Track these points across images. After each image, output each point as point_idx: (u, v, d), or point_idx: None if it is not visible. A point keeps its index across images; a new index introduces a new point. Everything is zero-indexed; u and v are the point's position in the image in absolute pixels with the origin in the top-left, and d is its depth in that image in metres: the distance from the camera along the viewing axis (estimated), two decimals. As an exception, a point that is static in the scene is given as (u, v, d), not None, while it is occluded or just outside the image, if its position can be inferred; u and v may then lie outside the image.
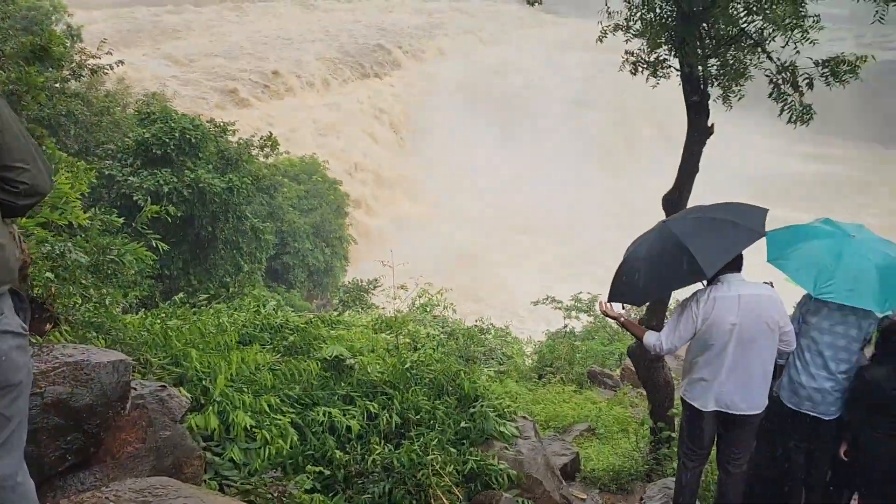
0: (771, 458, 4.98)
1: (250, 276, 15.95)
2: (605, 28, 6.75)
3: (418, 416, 5.17)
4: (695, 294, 4.44)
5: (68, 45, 15.88)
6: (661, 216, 6.48)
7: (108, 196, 13.22)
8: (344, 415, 5.03)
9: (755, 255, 4.62)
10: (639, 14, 6.42)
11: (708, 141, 6.88)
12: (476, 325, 12.76)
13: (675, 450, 5.93)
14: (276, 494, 4.01)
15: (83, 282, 5.37)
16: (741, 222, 4.39)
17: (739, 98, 6.65)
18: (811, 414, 4.69)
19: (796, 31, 5.86)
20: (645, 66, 6.91)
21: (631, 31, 6.58)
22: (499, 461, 5.03)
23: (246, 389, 4.88)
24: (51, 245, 4.96)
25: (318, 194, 27.57)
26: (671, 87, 7.21)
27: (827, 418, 4.67)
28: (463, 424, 5.20)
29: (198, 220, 13.77)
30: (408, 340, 7.54)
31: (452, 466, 4.80)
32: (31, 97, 10.11)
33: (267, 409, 4.75)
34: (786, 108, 6.35)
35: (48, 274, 4.80)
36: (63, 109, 14.24)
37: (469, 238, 38.04)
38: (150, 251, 5.99)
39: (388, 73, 52.12)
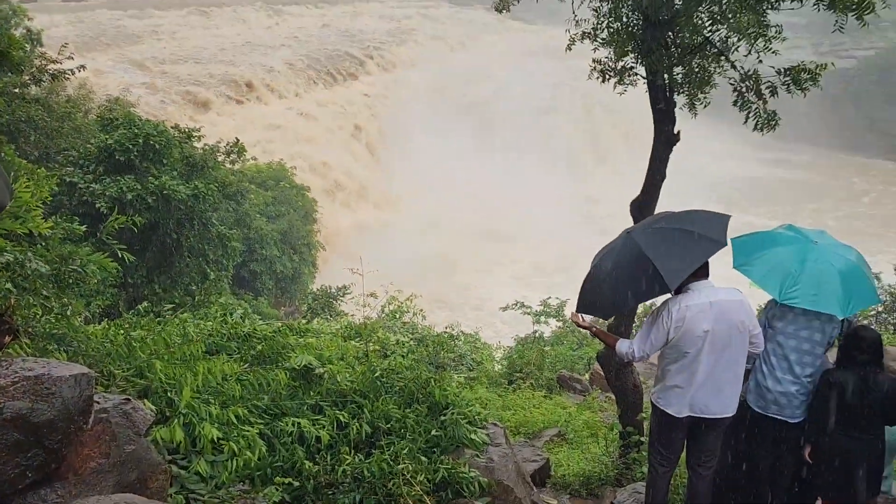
0: (738, 461, 5.05)
1: (217, 283, 15.72)
2: (573, 37, 6.81)
3: (389, 425, 5.13)
4: (666, 302, 4.49)
5: (28, 49, 15.54)
6: (631, 222, 6.55)
7: (70, 203, 12.93)
8: (313, 425, 4.97)
9: (720, 258, 4.68)
10: (606, 23, 6.48)
11: (674, 147, 6.97)
12: (446, 332, 12.74)
13: (645, 454, 5.98)
14: (244, 507, 3.95)
15: (44, 292, 5.25)
16: (703, 233, 4.45)
17: (705, 106, 6.76)
18: (777, 417, 4.78)
19: (759, 40, 5.97)
20: (612, 73, 6.99)
21: (598, 39, 6.64)
22: (470, 469, 5.01)
23: (213, 401, 4.80)
24: (10, 255, 4.83)
25: (286, 200, 27.34)
26: (638, 94, 7.31)
27: (793, 421, 4.76)
28: (434, 432, 5.17)
29: (162, 227, 13.54)
30: (377, 348, 7.50)
31: (423, 475, 4.77)
32: (-11, 102, 9.88)
33: (234, 421, 4.67)
34: (750, 115, 6.46)
35: (7, 285, 4.67)
36: (23, 115, 13.94)
37: (440, 244, 38.03)
38: (116, 261, 5.86)
39: (356, 78, 51.98)
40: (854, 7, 5.53)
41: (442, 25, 73.67)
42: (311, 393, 5.38)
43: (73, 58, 16.63)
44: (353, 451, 4.87)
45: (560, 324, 16.90)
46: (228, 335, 6.30)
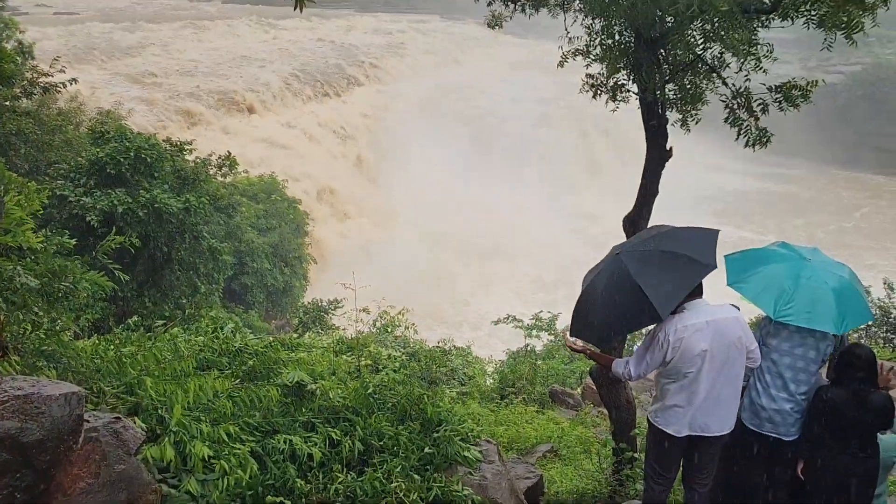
0: (733, 479, 5.04)
1: (207, 297, 15.64)
2: (566, 53, 6.85)
3: (381, 443, 5.10)
4: (662, 323, 4.47)
5: (19, 62, 15.51)
6: (625, 237, 6.57)
7: (60, 217, 12.85)
8: (305, 442, 4.93)
9: (713, 273, 4.67)
10: (598, 40, 6.52)
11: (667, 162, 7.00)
12: (438, 347, 12.71)
13: (639, 471, 5.96)
14: (235, 527, 3.90)
15: (35, 308, 5.19)
16: (692, 256, 4.43)
17: (696, 122, 6.80)
18: (772, 435, 4.77)
19: (750, 58, 6.02)
20: (604, 90, 7.03)
21: (591, 55, 6.68)
22: (463, 487, 4.98)
23: (204, 418, 4.75)
24: (-1, 269, 4.79)
25: (277, 213, 27.30)
26: (631, 108, 7.35)
27: (787, 439, 4.75)
28: (427, 450, 5.14)
29: (153, 240, 13.46)
30: (369, 362, 7.47)
31: (416, 494, 4.73)
32: (-21, 116, 9.84)
33: (225, 438, 4.63)
34: (742, 132, 6.50)
35: (-4, 300, 4.63)
36: (13, 128, 13.88)
37: (434, 258, 37.99)
38: (110, 279, 5.81)
39: (349, 92, 52.10)
40: (843, 26, 5.59)
41: (434, 40, 74.03)
42: (304, 409, 5.34)
43: (64, 71, 16.59)
44: (345, 470, 4.84)
45: (552, 337, 16.89)
46: (219, 350, 6.25)
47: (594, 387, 8.67)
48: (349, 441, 5.01)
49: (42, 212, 6.67)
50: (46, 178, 13.71)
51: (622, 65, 6.45)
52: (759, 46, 6.03)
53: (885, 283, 16.71)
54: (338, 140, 44.86)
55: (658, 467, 4.74)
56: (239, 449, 4.60)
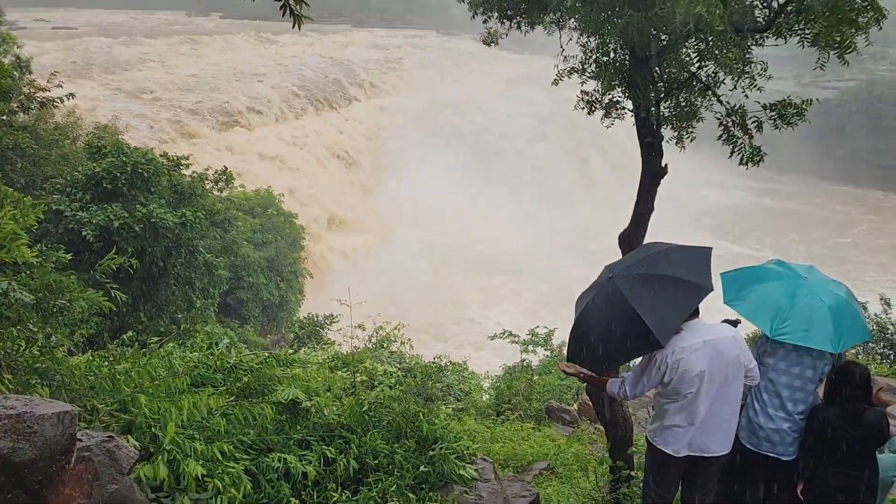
0: (731, 499, 5.01)
1: (203, 312, 15.61)
2: (561, 72, 6.89)
3: (376, 461, 5.07)
4: None
5: (17, 76, 15.54)
6: (620, 254, 6.57)
7: (56, 231, 12.83)
8: (300, 460, 4.90)
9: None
10: (593, 57, 6.56)
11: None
12: (433, 362, 12.67)
13: (636, 490, 5.93)
14: (228, 548, 3.86)
15: (29, 325, 5.17)
16: (688, 278, 4.40)
17: (691, 140, 6.82)
18: (770, 455, 4.75)
19: (745, 76, 6.06)
20: (599, 106, 7.06)
21: (585, 73, 6.71)
22: (458, 506, 4.95)
23: (198, 436, 4.72)
24: (-7, 285, 4.77)
25: (274, 228, 27.29)
26: (626, 124, 7.38)
27: (785, 459, 4.73)
28: (422, 468, 5.11)
29: (149, 255, 13.44)
30: (365, 378, 7.44)
31: (412, 513, 4.71)
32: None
33: (219, 457, 4.59)
34: (736, 149, 6.53)
35: (-10, 317, 4.61)
36: (10, 143, 13.89)
37: (429, 272, 37.96)
38: (107, 298, 5.79)
39: (346, 107, 52.30)
40: (836, 46, 5.63)
41: (430, 55, 74.50)
42: (298, 427, 5.31)
43: (62, 86, 16.63)
44: (340, 488, 4.80)
45: (548, 353, 16.85)
46: (214, 367, 6.23)
47: (591, 403, 8.64)
48: (344, 459, 4.98)
49: (37, 226, 6.66)
50: (43, 193, 13.70)
51: (617, 82, 6.48)
52: (753, 65, 6.06)
53: (881, 299, 16.74)
54: (335, 155, 44.96)
55: (657, 487, 4.71)
56: (233, 467, 4.56)
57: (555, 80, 6.93)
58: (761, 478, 4.84)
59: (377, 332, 12.77)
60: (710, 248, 4.63)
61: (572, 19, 6.36)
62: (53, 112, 17.14)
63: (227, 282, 19.19)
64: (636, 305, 4.22)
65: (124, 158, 13.75)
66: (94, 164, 13.69)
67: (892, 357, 15.28)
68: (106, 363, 5.64)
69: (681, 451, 4.47)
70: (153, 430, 4.62)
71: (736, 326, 5.04)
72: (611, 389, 4.58)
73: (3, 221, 5.25)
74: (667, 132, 6.86)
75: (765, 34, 6.07)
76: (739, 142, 6.55)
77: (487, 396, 13.70)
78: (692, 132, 6.78)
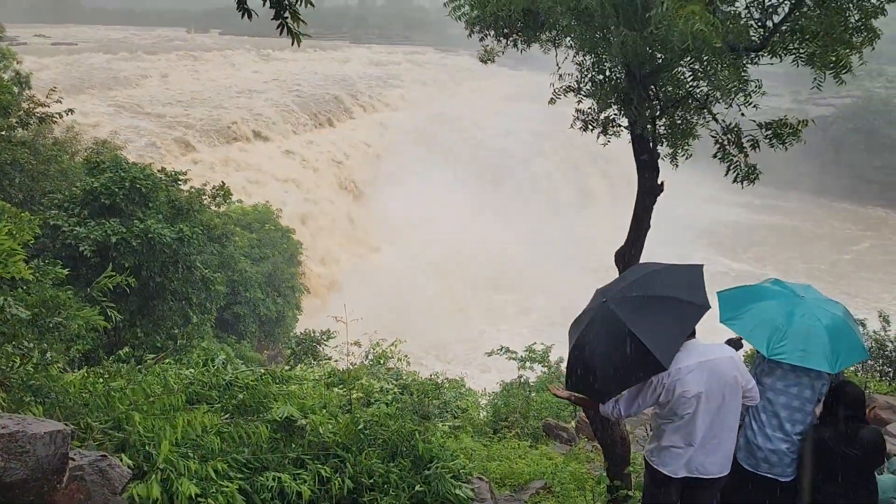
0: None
1: (200, 327, 15.57)
2: (557, 90, 6.92)
3: (372, 480, 5.04)
4: None
5: (16, 92, 15.60)
6: (617, 271, 6.57)
7: (53, 246, 12.83)
8: (294, 479, 4.87)
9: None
10: (589, 76, 6.59)
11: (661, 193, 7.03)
12: (430, 379, 12.61)
13: (632, 509, 5.89)
14: (221, 568, 3.83)
15: (25, 342, 5.15)
16: (685, 297, 4.36)
17: (686, 158, 6.85)
18: (769, 476, 4.71)
19: (739, 95, 6.09)
20: (595, 124, 7.09)
21: (581, 92, 6.74)
22: (454, 525, 4.92)
23: (192, 454, 4.69)
24: (-11, 301, 4.76)
25: (271, 243, 27.27)
26: (624, 139, 7.40)
27: (784, 480, 4.69)
28: (417, 488, 5.08)
29: (146, 270, 13.43)
30: (361, 395, 7.41)
31: (407, 532, 4.67)
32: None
33: (213, 476, 4.56)
34: (731, 168, 6.55)
35: (-15, 334, 4.60)
36: (8, 158, 13.91)
37: (429, 288, 37.88)
38: (104, 317, 5.78)
39: (344, 122, 52.50)
40: (832, 65, 5.67)
41: (429, 71, 74.96)
42: (293, 445, 5.28)
43: (61, 101, 16.69)
44: (334, 508, 4.77)
45: (545, 369, 16.79)
46: (210, 384, 6.20)
47: (588, 420, 8.59)
48: (339, 479, 4.96)
49: (35, 242, 6.66)
50: (40, 208, 13.72)
51: (613, 100, 6.51)
52: (747, 83, 6.09)
53: (880, 316, 16.70)
54: (333, 170, 45.05)
55: None
56: (227, 486, 4.54)
57: (551, 98, 6.97)
58: (760, 499, 4.79)
59: (374, 349, 12.72)
60: (702, 266, 4.60)
61: (568, 38, 6.40)
62: (52, 127, 17.18)
63: (224, 297, 19.15)
64: (635, 329, 4.15)
65: (122, 174, 13.78)
66: (93, 180, 13.71)
67: (891, 374, 15.22)
68: (101, 380, 5.62)
69: (678, 472, 4.42)
70: (147, 448, 4.59)
71: (739, 348, 5.02)
72: (604, 410, 4.54)
73: (0, 238, 5.25)
74: (663, 150, 6.88)
75: (760, 53, 6.11)
76: (735, 160, 6.58)
77: (485, 414, 13.63)
78: (687, 150, 6.80)
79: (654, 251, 6.91)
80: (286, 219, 30.88)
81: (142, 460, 4.49)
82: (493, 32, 7.16)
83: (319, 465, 5.07)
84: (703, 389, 4.26)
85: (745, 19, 5.91)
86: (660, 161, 6.96)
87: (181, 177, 16.34)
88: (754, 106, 6.32)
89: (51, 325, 5.63)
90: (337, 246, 39.95)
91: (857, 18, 5.75)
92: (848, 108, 62.62)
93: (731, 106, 6.42)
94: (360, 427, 5.50)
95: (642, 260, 6.83)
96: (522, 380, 16.38)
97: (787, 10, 5.93)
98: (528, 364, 16.39)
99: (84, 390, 5.22)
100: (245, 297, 23.37)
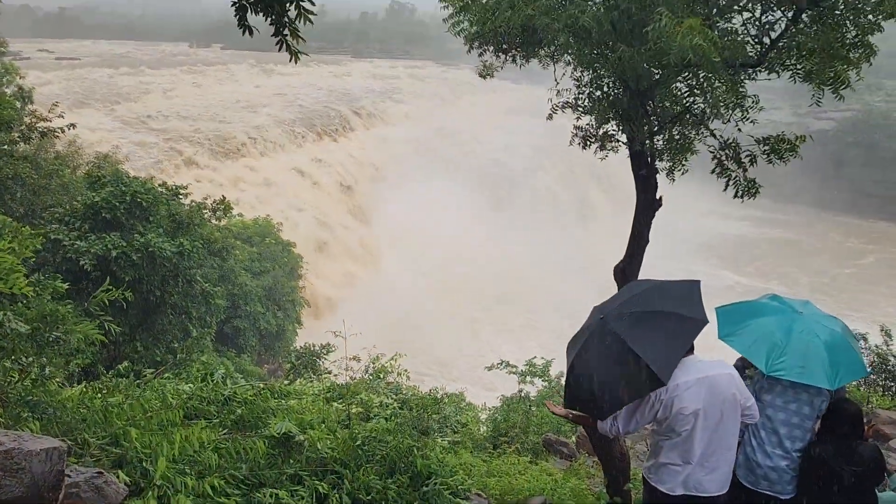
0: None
1: (199, 341, 15.54)
2: (555, 106, 6.96)
3: (370, 497, 5.01)
4: None
5: (18, 107, 15.67)
6: (616, 287, 6.56)
7: (54, 260, 12.85)
8: (292, 496, 4.85)
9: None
10: (587, 92, 6.63)
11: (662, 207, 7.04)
12: (430, 394, 12.57)
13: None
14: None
15: (22, 357, 5.15)
16: (683, 312, 4.35)
17: (683, 173, 6.86)
18: (768, 493, 4.69)
19: (737, 111, 6.12)
20: (593, 140, 7.12)
21: (579, 108, 6.78)
22: (452, 542, 4.89)
23: (189, 471, 4.68)
24: (-12, 315, 4.76)
25: (271, 256, 27.28)
26: (624, 154, 7.42)
27: (784, 497, 4.67)
28: (415, 504, 5.06)
29: (146, 284, 13.44)
30: (360, 409, 7.38)
31: (404, 550, 4.64)
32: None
33: (210, 492, 4.54)
34: (731, 182, 6.56)
35: (-16, 348, 4.60)
36: (10, 172, 13.96)
37: (431, 302, 37.83)
38: (102, 331, 5.78)
39: (345, 136, 52.66)
40: (829, 82, 5.70)
41: (430, 85, 75.21)
42: (291, 461, 5.26)
43: (63, 116, 16.77)
44: (332, 525, 4.74)
45: (546, 384, 16.73)
46: (208, 399, 6.18)
47: (587, 436, 8.56)
48: (336, 495, 4.93)
49: (35, 256, 6.67)
50: (41, 222, 13.76)
51: (611, 116, 6.54)
52: (745, 99, 6.12)
53: (882, 330, 16.62)
54: (335, 183, 45.14)
55: None
56: (224, 503, 4.51)
57: (549, 114, 7.00)
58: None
59: (374, 363, 12.69)
60: (699, 281, 4.59)
61: (566, 54, 6.43)
62: (54, 142, 17.25)
63: (224, 311, 19.14)
64: (633, 344, 4.14)
65: (123, 188, 13.82)
66: (94, 194, 13.75)
67: (893, 389, 15.13)
68: (99, 395, 5.61)
69: (676, 490, 4.39)
70: (144, 464, 4.58)
71: (745, 372, 4.98)
72: (602, 427, 4.52)
73: (2, 257, 5.25)
74: (661, 165, 6.90)
75: (757, 69, 6.14)
76: (734, 175, 6.59)
77: (485, 429, 13.57)
78: (684, 165, 6.82)
79: (655, 265, 6.91)
80: (285, 231, 30.92)
81: (139, 476, 4.47)
82: (491, 48, 7.20)
83: (317, 482, 5.05)
84: (702, 406, 4.24)
85: (741, 35, 5.95)
86: (658, 176, 6.98)
87: (182, 190, 16.38)
88: (752, 122, 6.35)
89: (50, 340, 5.62)
90: (335, 258, 39.95)
91: (853, 35, 5.79)
92: (848, 122, 62.79)
93: (728, 122, 6.45)
94: (357, 443, 5.48)
95: (643, 274, 6.83)
96: (523, 394, 16.33)
97: (783, 26, 5.97)
98: (528, 378, 16.33)
99: (82, 405, 5.21)
100: (245, 310, 23.35)
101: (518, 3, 5.92)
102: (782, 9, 5.89)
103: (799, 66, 6.04)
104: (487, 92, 69.81)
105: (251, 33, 3.75)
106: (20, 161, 14.54)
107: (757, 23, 6.04)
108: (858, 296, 42.60)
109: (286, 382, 10.29)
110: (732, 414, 4.34)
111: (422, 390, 13.28)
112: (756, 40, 6.10)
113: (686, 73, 6.11)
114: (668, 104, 6.44)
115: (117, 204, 13.49)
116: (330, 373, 14.67)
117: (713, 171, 6.56)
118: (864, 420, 4.68)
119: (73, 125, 16.22)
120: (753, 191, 6.56)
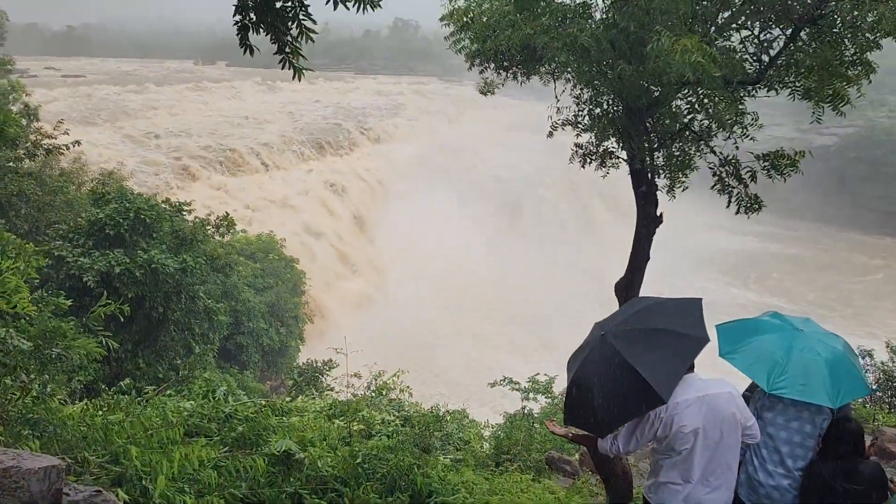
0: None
1: (202, 357, 15.48)
2: (555, 123, 7.00)
3: (369, 516, 4.99)
4: None
5: (24, 124, 15.79)
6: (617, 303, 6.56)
7: (57, 277, 12.88)
8: (292, 514, 4.83)
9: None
10: (587, 109, 6.66)
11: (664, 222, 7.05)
12: (431, 411, 12.53)
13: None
14: None
15: (24, 375, 5.15)
16: (684, 330, 4.33)
17: (682, 189, 6.88)
18: (770, 513, 4.65)
19: (737, 127, 6.14)
20: (594, 157, 7.14)
21: (579, 125, 6.81)
22: (453, 562, 4.86)
23: (188, 489, 4.66)
24: (-9, 332, 4.78)
25: (275, 272, 27.28)
26: (625, 169, 7.44)
27: (787, 517, 4.63)
28: (415, 523, 5.03)
29: (149, 301, 13.46)
30: (362, 427, 7.37)
31: (404, 569, 4.61)
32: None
33: (210, 511, 4.53)
34: (733, 199, 6.58)
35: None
36: (15, 189, 14.04)
37: (436, 320, 37.74)
38: (101, 346, 5.79)
39: (349, 152, 52.87)
40: (829, 99, 5.72)
41: (433, 101, 75.61)
42: (291, 480, 5.24)
43: (68, 133, 16.87)
44: (331, 543, 4.72)
45: (549, 400, 16.65)
46: (209, 416, 6.18)
47: (589, 454, 8.49)
48: (336, 513, 4.91)
49: (38, 279, 6.69)
50: (46, 239, 13.81)
51: (611, 133, 6.57)
52: (744, 116, 6.15)
53: (888, 346, 16.50)
54: (339, 199, 45.25)
55: None
56: (223, 522, 4.50)
57: (549, 132, 7.04)
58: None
59: (376, 379, 12.66)
60: (701, 299, 4.58)
61: (566, 72, 6.48)
62: (59, 158, 17.36)
63: (227, 327, 19.13)
64: (633, 362, 4.12)
65: (127, 204, 13.89)
66: (98, 210, 13.82)
67: (900, 406, 14.99)
68: (100, 413, 5.61)
69: None
70: (143, 482, 4.56)
71: (751, 393, 4.94)
72: (602, 446, 4.50)
73: (6, 276, 5.27)
74: (662, 181, 6.92)
75: (756, 87, 6.17)
76: (735, 191, 6.61)
77: (488, 446, 13.49)
78: (684, 182, 6.83)
79: (658, 281, 6.91)
80: (288, 247, 30.96)
81: (138, 495, 4.45)
82: (492, 65, 7.26)
83: (317, 500, 5.03)
84: (701, 424, 4.21)
85: (740, 53, 5.98)
86: (658, 192, 7.00)
87: (185, 207, 16.44)
88: (751, 138, 6.37)
89: (52, 357, 5.63)
90: (340, 275, 39.96)
91: (852, 52, 5.82)
92: (851, 138, 62.80)
93: (728, 138, 6.47)
94: (358, 460, 5.46)
95: (645, 290, 6.83)
96: (526, 411, 16.25)
97: (782, 44, 6.00)
98: (531, 395, 16.26)
99: (82, 423, 5.20)
100: (248, 327, 23.33)
101: (518, 22, 5.97)
102: (780, 26, 5.93)
103: (798, 84, 6.07)
104: (489, 108, 70.06)
105: (252, 53, 3.79)
106: (25, 178, 14.63)
107: (755, 41, 6.08)
108: (864, 312, 42.38)
109: (288, 399, 10.28)
110: (732, 433, 4.30)
111: (425, 407, 13.24)
112: (755, 58, 6.14)
113: (686, 91, 6.14)
114: (667, 121, 6.47)
115: (121, 220, 13.55)
116: (332, 389, 14.64)
117: (713, 187, 6.58)
118: (872, 437, 4.64)
119: (77, 142, 16.33)
120: (756, 206, 6.57)
